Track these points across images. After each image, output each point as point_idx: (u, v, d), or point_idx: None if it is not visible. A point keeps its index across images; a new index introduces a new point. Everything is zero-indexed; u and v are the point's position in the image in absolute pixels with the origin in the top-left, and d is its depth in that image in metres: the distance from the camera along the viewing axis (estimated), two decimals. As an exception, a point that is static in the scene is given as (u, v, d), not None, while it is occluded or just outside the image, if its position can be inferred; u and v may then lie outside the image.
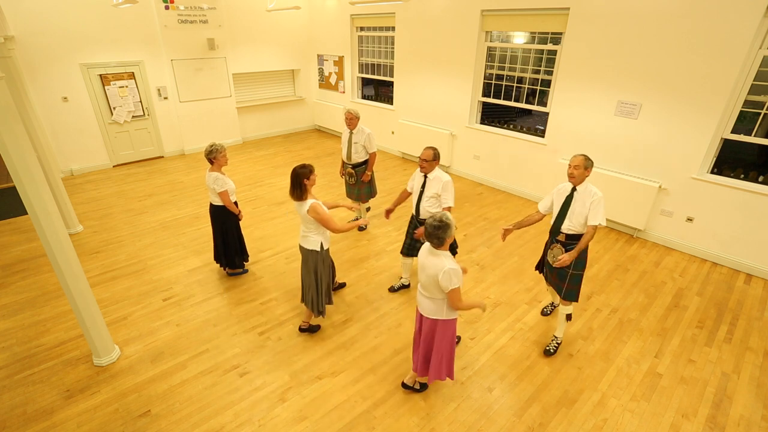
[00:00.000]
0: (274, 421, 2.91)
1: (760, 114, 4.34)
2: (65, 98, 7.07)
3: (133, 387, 3.18)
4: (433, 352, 2.82)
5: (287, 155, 8.73)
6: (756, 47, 4.15)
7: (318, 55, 9.93)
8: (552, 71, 5.87)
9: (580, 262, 3.25)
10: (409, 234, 3.98)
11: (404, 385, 3.14)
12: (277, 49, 9.54)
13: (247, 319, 3.92)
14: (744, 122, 4.47)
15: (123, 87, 7.59)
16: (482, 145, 7.04)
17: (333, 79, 9.79)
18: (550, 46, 5.83)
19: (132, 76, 7.65)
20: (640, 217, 5.26)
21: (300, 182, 3.11)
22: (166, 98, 8.18)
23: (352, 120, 4.91)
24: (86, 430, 2.84)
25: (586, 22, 5.22)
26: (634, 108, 5.06)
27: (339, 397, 3.10)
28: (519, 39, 6.33)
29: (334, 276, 3.80)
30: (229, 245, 4.28)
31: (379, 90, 9.47)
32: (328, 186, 6.96)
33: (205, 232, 5.37)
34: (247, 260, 4.59)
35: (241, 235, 4.39)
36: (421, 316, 2.81)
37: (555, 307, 4.01)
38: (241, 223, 4.35)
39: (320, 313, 3.58)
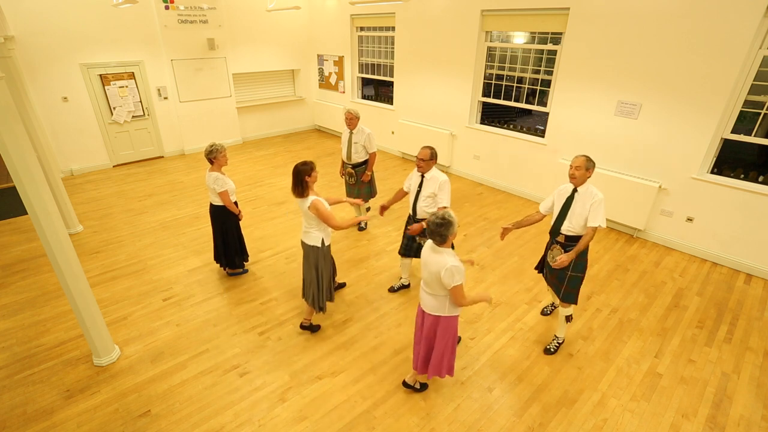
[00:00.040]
0: (274, 421, 2.91)
1: (760, 114, 4.34)
2: (65, 98, 7.07)
3: (133, 387, 3.18)
4: (435, 348, 2.82)
5: (287, 155, 8.73)
6: (756, 47, 4.15)
7: (318, 55, 9.93)
8: (552, 71, 5.87)
9: (580, 264, 3.23)
10: (407, 234, 3.98)
11: (405, 384, 3.15)
12: (277, 49, 9.54)
13: (247, 319, 3.92)
14: (744, 122, 4.47)
15: (123, 87, 7.59)
16: (482, 145, 7.04)
17: (333, 79, 9.79)
18: (550, 46, 5.83)
19: (132, 76, 7.65)
20: (640, 217, 5.26)
21: (301, 179, 3.14)
22: (166, 98, 8.18)
23: (352, 120, 4.91)
24: (86, 430, 2.84)
25: (586, 22, 5.22)
26: (634, 108, 5.06)
27: (339, 397, 3.10)
28: (519, 39, 6.34)
29: (335, 274, 3.80)
30: (229, 245, 4.29)
31: (379, 90, 9.47)
32: (328, 186, 6.96)
33: (205, 232, 5.37)
34: (247, 260, 4.59)
35: (241, 235, 4.39)
36: (423, 312, 2.81)
37: (555, 307, 4.01)
38: (241, 223, 4.35)
39: (321, 309, 3.59)
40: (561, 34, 5.60)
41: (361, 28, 8.71)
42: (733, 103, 4.41)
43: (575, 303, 3.37)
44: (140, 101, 7.87)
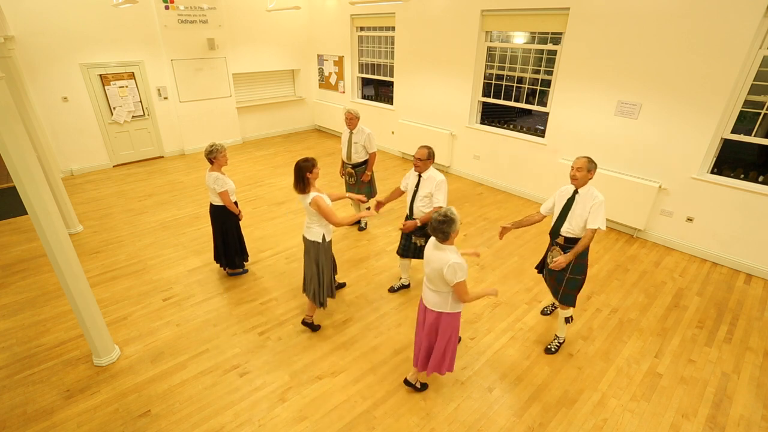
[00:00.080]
0: (274, 421, 2.91)
1: (760, 114, 4.34)
2: (65, 98, 7.07)
3: (133, 387, 3.18)
4: (436, 345, 2.82)
5: (287, 155, 8.73)
6: (756, 47, 4.15)
7: (318, 55, 9.93)
8: (552, 71, 5.87)
9: (578, 266, 3.21)
10: (404, 235, 3.98)
11: (407, 382, 3.15)
12: (277, 49, 9.54)
13: (247, 319, 3.92)
14: (744, 122, 4.47)
15: (123, 87, 7.59)
16: (482, 145, 7.04)
17: (333, 79, 9.79)
18: (550, 46, 5.83)
19: (132, 76, 7.65)
20: (640, 217, 5.26)
21: (303, 175, 3.17)
22: (166, 98, 8.18)
23: (352, 120, 4.91)
24: (86, 430, 2.84)
25: (586, 22, 5.22)
26: (634, 108, 5.06)
27: (339, 397, 3.10)
28: (519, 39, 6.34)
29: (335, 272, 3.81)
30: (229, 245, 4.28)
31: (379, 90, 9.47)
32: (329, 186, 6.95)
33: (205, 232, 5.37)
34: (247, 260, 4.59)
35: (241, 235, 4.39)
36: (425, 308, 2.82)
37: (555, 307, 4.01)
38: (241, 223, 4.35)
39: (322, 304, 3.60)
40: (561, 34, 5.60)
41: (361, 28, 8.71)
42: (733, 103, 4.41)
43: (573, 306, 3.36)
44: (140, 101, 7.87)
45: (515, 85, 6.45)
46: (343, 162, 5.23)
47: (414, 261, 4.53)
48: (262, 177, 7.47)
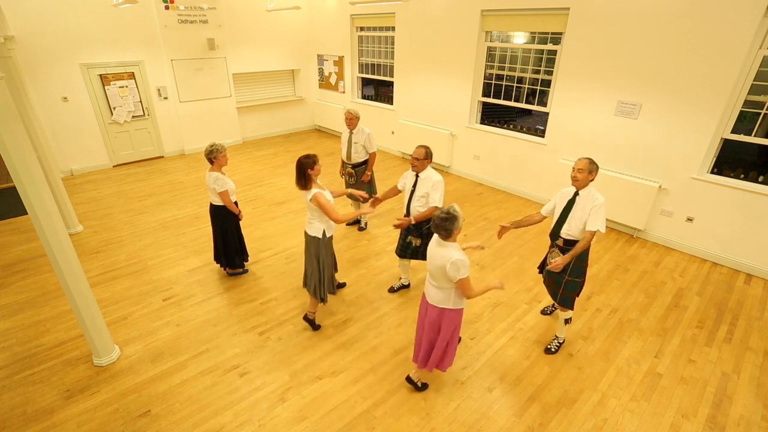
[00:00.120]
0: (274, 421, 2.91)
1: (760, 114, 4.34)
2: (65, 98, 7.07)
3: (133, 387, 3.18)
4: (438, 341, 2.83)
5: (287, 155, 8.73)
6: (756, 47, 4.15)
7: (318, 55, 9.93)
8: (552, 71, 5.87)
9: (577, 269, 3.20)
10: (402, 235, 3.97)
11: (409, 379, 3.15)
12: (277, 49, 9.54)
13: (247, 319, 3.92)
14: (744, 122, 4.47)
15: (123, 87, 7.59)
16: (482, 145, 7.04)
17: (333, 79, 9.79)
18: (550, 46, 5.83)
19: (132, 76, 7.65)
20: (640, 217, 5.26)
21: (304, 172, 3.21)
22: (166, 98, 8.18)
23: (352, 120, 4.91)
24: (86, 430, 2.84)
25: (586, 22, 5.22)
26: (634, 108, 5.06)
27: (339, 397, 3.10)
28: (519, 39, 6.34)
29: (336, 269, 3.82)
30: (229, 245, 4.28)
31: (379, 90, 9.47)
32: (328, 186, 6.92)
33: (205, 232, 5.37)
34: (247, 260, 4.59)
35: (241, 235, 4.39)
36: (427, 305, 2.83)
37: (555, 308, 4.01)
38: (241, 223, 4.35)
39: (322, 299, 3.61)
40: (561, 34, 5.60)
41: (361, 28, 8.71)
42: (733, 103, 4.41)
43: (572, 308, 3.35)
44: (140, 101, 7.87)
45: (515, 85, 6.45)
46: (343, 162, 5.22)
47: (414, 261, 4.52)
48: (262, 177, 7.46)
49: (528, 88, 6.29)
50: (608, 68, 5.17)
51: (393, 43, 8.05)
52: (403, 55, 7.86)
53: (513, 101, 6.61)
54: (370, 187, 5.25)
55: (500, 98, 6.75)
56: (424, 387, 3.16)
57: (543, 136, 6.20)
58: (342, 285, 4.39)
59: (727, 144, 4.66)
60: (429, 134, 7.64)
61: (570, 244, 3.15)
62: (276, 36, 9.37)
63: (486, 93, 6.88)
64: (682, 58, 4.56)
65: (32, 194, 2.74)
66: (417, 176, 3.68)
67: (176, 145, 8.63)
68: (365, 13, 8.30)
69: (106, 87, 7.40)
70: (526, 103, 6.40)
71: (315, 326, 3.76)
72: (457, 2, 6.58)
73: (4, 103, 2.51)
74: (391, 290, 4.32)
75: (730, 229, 4.71)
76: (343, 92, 9.61)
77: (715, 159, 4.75)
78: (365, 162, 5.11)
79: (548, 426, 2.89)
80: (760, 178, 4.57)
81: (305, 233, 3.49)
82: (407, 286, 4.36)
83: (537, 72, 6.16)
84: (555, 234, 3.24)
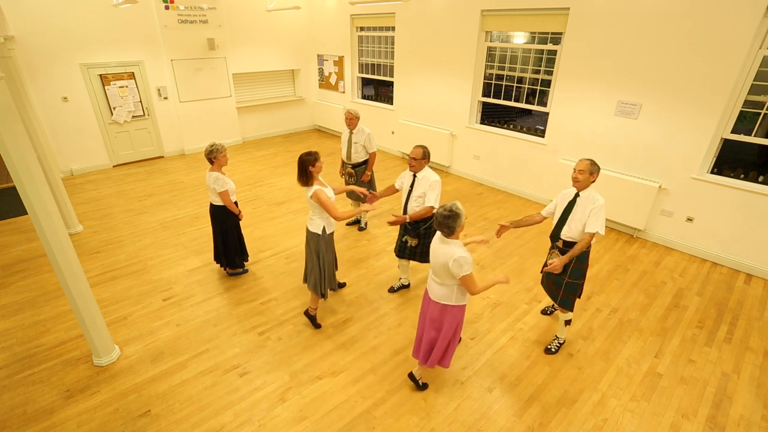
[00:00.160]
0: (274, 421, 2.91)
1: (760, 114, 4.34)
2: (65, 98, 7.07)
3: (133, 387, 3.18)
4: (440, 337, 2.84)
5: (287, 155, 8.73)
6: (756, 47, 4.15)
7: (318, 55, 9.93)
8: (552, 71, 5.87)
9: (577, 270, 3.19)
10: (400, 234, 3.98)
11: (411, 376, 3.16)
12: (277, 49, 9.54)
13: (247, 319, 3.92)
14: (744, 122, 4.47)
15: (123, 87, 7.59)
16: (482, 145, 7.04)
17: (333, 79, 9.79)
18: (550, 46, 5.83)
19: (132, 76, 7.65)
20: (640, 217, 5.26)
21: (305, 169, 3.24)
22: (166, 98, 8.18)
23: (352, 120, 4.91)
24: (86, 430, 2.84)
25: (586, 22, 5.22)
26: (634, 108, 5.06)
27: (339, 397, 3.10)
28: (519, 39, 6.34)
29: (336, 267, 3.83)
30: (229, 245, 4.28)
31: (379, 90, 9.47)
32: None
33: (205, 232, 5.37)
34: (247, 260, 4.59)
35: (241, 235, 4.39)
36: (429, 301, 2.83)
37: (555, 309, 4.01)
38: (241, 223, 4.35)
39: (323, 295, 3.63)
40: (561, 34, 5.60)
41: (361, 28, 8.71)
42: (733, 103, 4.41)
43: (571, 310, 3.35)
44: (140, 101, 7.87)
45: (515, 85, 6.45)
46: (343, 162, 5.23)
47: (414, 261, 4.52)
48: (262, 177, 7.46)
49: (528, 88, 6.29)
50: (608, 68, 5.17)
51: (393, 43, 8.05)
52: (403, 55, 7.86)
53: (513, 101, 6.61)
54: (370, 187, 5.25)
55: (500, 98, 6.75)
56: (424, 387, 3.16)
57: (543, 136, 6.20)
58: (342, 285, 4.39)
59: (727, 144, 4.66)
60: (429, 134, 7.64)
61: (570, 245, 3.15)
62: (276, 36, 9.37)
63: (486, 93, 6.88)
64: (682, 58, 4.56)
65: (32, 194, 2.74)
66: (415, 176, 3.68)
67: (176, 145, 8.63)
68: (365, 13, 8.30)
69: (106, 87, 7.40)
70: (526, 103, 6.40)
71: (316, 324, 3.77)
72: (457, 2, 6.58)
73: (4, 103, 2.51)
74: (391, 290, 4.32)
75: (730, 229, 4.71)
76: (343, 92, 9.61)
77: (715, 159, 4.75)
78: (365, 162, 5.12)
79: (548, 426, 2.89)
80: (760, 178, 4.57)
81: (306, 229, 3.54)
82: (407, 286, 4.36)
83: (537, 72, 6.16)
84: (555, 235, 3.24)
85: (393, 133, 8.65)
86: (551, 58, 5.85)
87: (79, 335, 3.67)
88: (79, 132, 7.37)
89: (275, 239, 5.32)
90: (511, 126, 6.80)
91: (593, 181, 3.04)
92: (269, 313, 3.99)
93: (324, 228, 3.44)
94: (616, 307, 4.11)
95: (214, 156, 3.90)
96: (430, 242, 3.83)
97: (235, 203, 4.12)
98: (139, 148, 8.20)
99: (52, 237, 2.86)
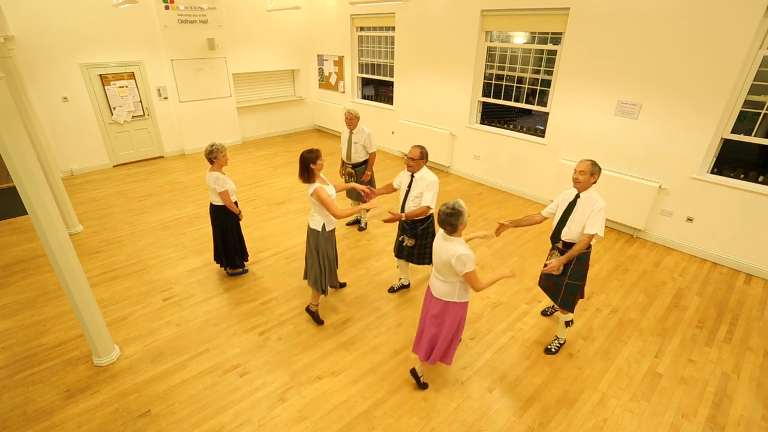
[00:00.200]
0: (274, 421, 2.91)
1: (760, 114, 4.34)
2: (65, 98, 7.07)
3: (133, 387, 3.18)
4: (442, 334, 2.84)
5: (287, 155, 8.73)
6: (756, 47, 4.15)
7: (318, 55, 9.93)
8: (552, 71, 5.87)
9: (577, 271, 3.19)
10: (398, 233, 3.99)
11: (413, 372, 3.16)
12: (277, 49, 9.54)
13: (247, 319, 3.92)
14: (744, 122, 4.47)
15: (123, 87, 7.59)
16: (482, 145, 7.04)
17: (333, 79, 9.79)
18: (550, 46, 5.83)
19: (132, 76, 7.65)
20: (640, 217, 5.26)
21: (307, 166, 3.27)
22: (166, 98, 8.18)
23: (352, 120, 4.91)
24: (86, 430, 2.84)
25: (586, 22, 5.22)
26: (634, 108, 5.06)
27: (339, 397, 3.10)
28: (519, 39, 6.33)
29: (336, 264, 3.84)
30: (229, 245, 4.29)
31: (379, 90, 9.47)
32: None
33: (205, 232, 5.37)
34: (247, 260, 4.59)
35: (241, 234, 4.39)
36: (432, 297, 2.84)
37: (556, 310, 4.00)
38: (241, 223, 4.35)
39: (323, 291, 3.64)
40: (561, 34, 5.60)
41: (361, 28, 8.71)
42: (733, 103, 4.41)
43: (572, 311, 3.35)
44: (140, 101, 7.87)
45: (515, 85, 6.45)
46: (343, 162, 5.23)
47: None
48: (262, 177, 7.46)
49: (528, 88, 6.29)
50: (608, 68, 5.17)
51: (393, 43, 8.05)
52: (403, 55, 7.86)
53: (513, 101, 6.61)
54: (370, 186, 5.25)
55: (500, 98, 6.75)
56: (425, 386, 3.16)
57: (543, 136, 6.20)
58: (343, 285, 4.40)
59: (727, 144, 4.66)
60: (429, 134, 7.64)
61: (569, 247, 3.14)
62: (276, 36, 9.37)
63: (486, 93, 6.88)
64: (682, 58, 4.56)
65: (32, 194, 2.74)
66: (412, 176, 3.68)
67: (176, 145, 8.63)
68: (365, 13, 8.30)
69: (106, 87, 7.40)
70: (526, 103, 6.40)
71: (319, 320, 3.80)
72: (457, 2, 6.58)
73: (4, 103, 2.51)
74: (391, 290, 4.32)
75: (730, 229, 4.71)
76: (343, 92, 9.61)
77: (715, 159, 4.75)
78: (365, 162, 5.12)
79: (548, 426, 2.89)
80: (760, 178, 4.57)
81: (308, 226, 3.58)
82: (407, 286, 4.36)
83: (537, 72, 6.16)
84: (555, 236, 3.24)
85: (393, 133, 8.65)
86: (551, 58, 5.85)
87: (79, 335, 3.67)
88: (79, 132, 7.37)
89: (275, 239, 5.32)
90: (511, 126, 6.80)
91: (594, 182, 3.04)
92: (269, 313, 3.99)
93: (324, 225, 3.47)
94: (616, 307, 4.11)
95: (214, 156, 3.90)
96: (426, 244, 3.85)
97: (235, 203, 4.12)
98: (139, 148, 8.20)
99: (52, 237, 2.86)
